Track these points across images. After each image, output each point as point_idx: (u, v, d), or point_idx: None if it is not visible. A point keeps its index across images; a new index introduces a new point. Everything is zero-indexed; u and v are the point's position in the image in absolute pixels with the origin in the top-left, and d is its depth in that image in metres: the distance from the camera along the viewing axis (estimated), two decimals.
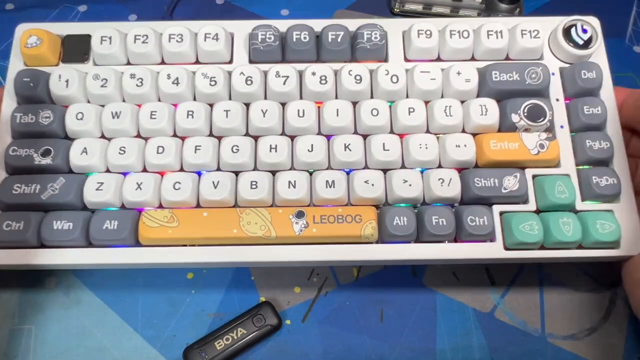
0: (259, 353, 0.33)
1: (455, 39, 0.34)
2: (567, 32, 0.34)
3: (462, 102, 0.34)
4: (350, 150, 0.32)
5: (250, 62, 0.35)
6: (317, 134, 0.33)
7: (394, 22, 0.35)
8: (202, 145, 0.32)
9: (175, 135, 0.33)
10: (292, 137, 0.33)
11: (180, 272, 0.35)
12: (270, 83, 0.33)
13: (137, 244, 0.31)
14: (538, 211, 0.32)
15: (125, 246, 0.31)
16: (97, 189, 0.31)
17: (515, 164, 0.32)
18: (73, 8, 0.44)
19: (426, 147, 0.32)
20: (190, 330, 0.33)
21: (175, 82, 0.33)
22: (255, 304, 0.33)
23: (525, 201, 0.32)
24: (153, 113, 0.33)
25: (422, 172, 0.33)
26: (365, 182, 0.32)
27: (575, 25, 0.34)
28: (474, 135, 0.33)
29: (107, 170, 0.33)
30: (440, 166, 0.33)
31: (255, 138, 0.33)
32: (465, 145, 0.32)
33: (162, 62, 0.35)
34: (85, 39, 0.35)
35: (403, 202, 0.32)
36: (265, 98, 0.34)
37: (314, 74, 0.34)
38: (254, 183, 0.32)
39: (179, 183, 0.32)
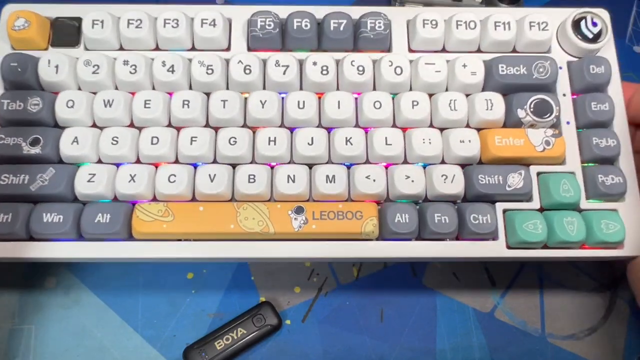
0: (259, 353, 0.33)
1: (461, 30, 0.33)
2: (576, 25, 0.33)
3: (467, 95, 0.33)
4: (351, 144, 0.31)
5: (249, 49, 0.33)
6: (318, 127, 0.32)
7: (398, 10, 0.34)
8: (198, 136, 0.31)
9: (170, 125, 0.32)
10: (292, 129, 0.32)
11: (180, 272, 0.34)
12: (269, 72, 0.32)
13: (131, 238, 0.30)
14: (542, 209, 0.32)
15: (118, 240, 0.30)
16: (88, 181, 0.30)
17: (520, 160, 0.32)
18: None
19: (429, 142, 0.32)
20: (190, 330, 0.33)
21: (171, 69, 0.32)
22: (255, 304, 0.33)
23: (529, 199, 0.32)
24: (147, 102, 0.32)
25: (424, 167, 0.32)
26: (367, 177, 0.31)
27: (585, 17, 0.33)
28: (479, 130, 0.32)
29: (99, 161, 0.31)
30: (443, 162, 0.32)
31: (254, 130, 0.32)
32: (469, 141, 0.32)
33: (157, 48, 0.33)
34: (76, 22, 0.33)
35: (405, 198, 0.31)
36: (264, 88, 0.33)
37: (315, 63, 0.32)
38: (251, 177, 0.31)
39: (174, 175, 0.31)
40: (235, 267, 0.35)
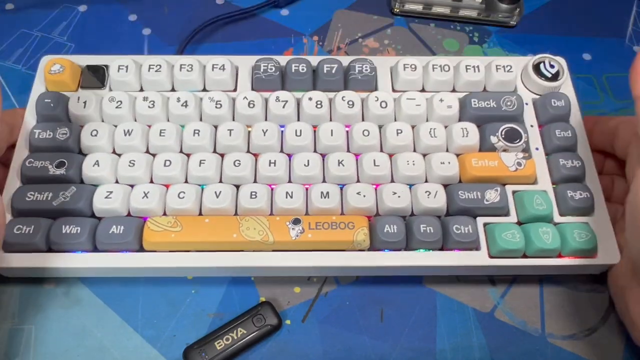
0: (259, 353, 0.33)
1: (437, 72, 0.38)
2: (536, 67, 0.38)
3: (445, 126, 0.37)
4: (343, 165, 0.35)
5: (253, 89, 0.38)
6: (313, 152, 0.36)
7: (382, 59, 0.40)
8: (207, 159, 0.35)
9: (181, 152, 0.36)
10: (290, 156, 0.36)
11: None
12: (270, 106, 0.37)
13: (141, 249, 0.33)
14: (519, 223, 0.34)
15: (129, 251, 0.33)
16: (106, 197, 0.33)
17: (496, 179, 0.35)
18: (73, 8, 0.46)
19: (413, 164, 0.35)
20: (190, 330, 0.33)
21: (184, 104, 0.36)
22: (255, 304, 0.33)
23: (507, 213, 0.35)
24: (162, 131, 0.36)
25: (410, 187, 0.35)
26: (358, 193, 0.34)
27: (543, 61, 0.38)
28: (457, 155, 0.36)
29: (117, 182, 0.35)
30: (426, 181, 0.35)
31: (256, 156, 0.36)
32: (449, 163, 0.35)
33: (173, 89, 0.38)
34: (103, 68, 0.38)
35: (393, 212, 0.34)
36: (266, 120, 0.37)
37: (310, 99, 0.37)
38: (253, 193, 0.34)
39: (183, 192, 0.34)
40: None
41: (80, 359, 0.32)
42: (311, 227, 0.33)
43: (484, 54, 0.46)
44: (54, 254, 0.33)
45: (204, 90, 0.38)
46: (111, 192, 0.34)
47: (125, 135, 0.36)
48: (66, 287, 0.34)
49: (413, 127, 0.37)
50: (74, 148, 0.35)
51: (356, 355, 0.33)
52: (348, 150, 0.36)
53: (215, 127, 0.37)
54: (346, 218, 0.33)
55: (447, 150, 0.36)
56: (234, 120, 0.37)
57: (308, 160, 0.35)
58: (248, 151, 0.36)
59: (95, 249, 0.33)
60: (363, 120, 0.37)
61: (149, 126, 0.36)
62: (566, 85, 0.39)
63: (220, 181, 0.35)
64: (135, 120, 0.37)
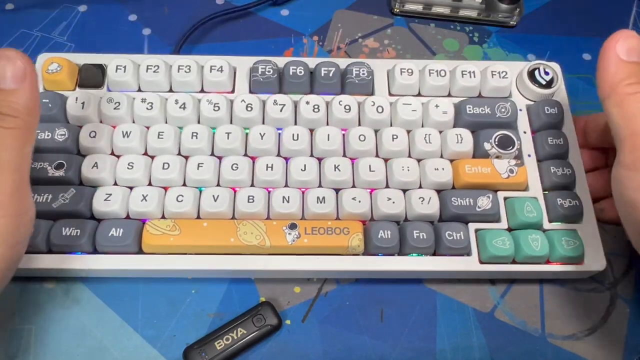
0: (259, 353, 0.33)
1: (433, 77, 0.38)
2: (531, 74, 0.39)
3: (440, 132, 0.37)
4: (339, 170, 0.35)
5: (250, 92, 0.38)
6: (310, 156, 0.37)
7: (379, 62, 0.40)
8: (204, 163, 0.35)
9: (179, 154, 0.36)
10: (287, 160, 0.36)
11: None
12: (268, 110, 0.37)
13: (140, 251, 0.34)
14: (510, 229, 0.35)
15: (128, 253, 0.33)
16: (105, 199, 0.34)
17: (488, 186, 0.36)
18: (73, 8, 0.46)
19: (408, 169, 0.36)
20: (190, 330, 0.33)
21: (182, 106, 0.37)
22: (255, 304, 0.34)
23: (498, 220, 0.35)
24: (160, 133, 0.36)
25: (404, 192, 0.36)
26: (353, 198, 0.35)
27: (538, 68, 0.39)
28: (451, 161, 0.37)
29: (115, 184, 0.35)
30: (420, 187, 0.36)
31: (253, 159, 0.36)
32: (443, 169, 0.36)
33: (171, 90, 0.38)
34: (101, 68, 0.38)
35: (387, 218, 0.35)
36: (263, 123, 0.37)
37: (307, 103, 0.37)
38: (250, 197, 0.34)
39: (182, 196, 0.34)
40: None
41: (80, 359, 0.33)
42: (307, 232, 0.34)
43: (483, 54, 0.46)
44: (55, 256, 0.33)
45: (202, 91, 0.38)
46: (110, 195, 0.34)
47: (124, 136, 0.36)
48: (66, 287, 0.35)
49: (409, 132, 0.37)
50: (73, 149, 0.36)
51: (356, 355, 0.34)
52: (344, 155, 0.37)
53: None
54: (341, 223, 0.34)
55: (441, 156, 0.37)
56: (231, 122, 0.37)
57: (305, 165, 0.36)
58: (245, 154, 0.37)
59: (95, 251, 0.34)
60: (359, 124, 0.38)
61: (147, 127, 0.37)
62: (560, 92, 0.39)
63: (218, 184, 0.36)
64: (134, 122, 0.37)
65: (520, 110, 0.39)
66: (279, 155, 0.37)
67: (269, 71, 0.38)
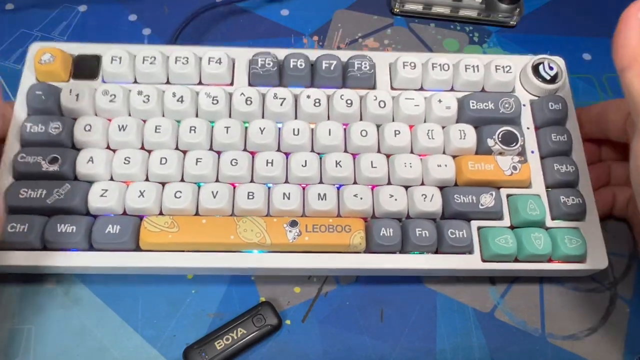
0: (259, 353, 0.33)
1: (436, 71, 0.38)
2: (535, 69, 0.38)
3: (443, 127, 0.37)
4: (341, 166, 0.35)
5: (250, 85, 0.38)
6: (311, 151, 0.36)
7: (381, 55, 0.39)
8: (203, 158, 0.35)
9: (177, 148, 0.35)
10: (287, 155, 0.36)
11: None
12: (268, 104, 0.36)
13: (138, 248, 0.33)
14: (512, 227, 0.35)
15: (126, 250, 0.33)
16: (101, 195, 0.33)
17: (491, 183, 0.35)
18: (73, 8, 0.45)
19: (410, 166, 0.35)
20: (190, 330, 0.33)
21: (180, 99, 0.36)
22: (255, 304, 0.34)
23: (501, 217, 0.35)
24: (157, 127, 0.35)
25: (406, 188, 0.35)
26: (355, 195, 0.34)
27: (542, 62, 0.38)
28: (454, 157, 0.36)
29: (111, 179, 0.34)
30: (423, 184, 0.36)
31: (253, 154, 0.36)
32: (446, 165, 0.35)
33: (168, 82, 0.37)
34: (96, 58, 0.37)
35: (389, 215, 0.34)
36: (263, 117, 0.37)
37: (308, 97, 0.36)
38: (250, 194, 0.34)
39: (180, 192, 0.34)
40: None
41: (80, 359, 0.32)
42: (308, 230, 0.33)
43: (483, 54, 0.46)
44: (51, 253, 0.32)
45: (200, 83, 0.37)
46: (106, 190, 0.33)
47: (120, 130, 0.35)
48: (66, 287, 0.34)
49: (411, 127, 0.37)
50: (67, 142, 0.35)
51: (356, 355, 0.34)
52: (345, 150, 0.36)
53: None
54: (343, 221, 0.34)
55: (444, 152, 0.37)
56: (230, 116, 0.36)
57: (305, 161, 0.35)
58: (245, 149, 0.36)
59: (91, 248, 0.33)
60: (361, 119, 0.37)
61: (144, 121, 0.36)
62: (564, 88, 0.39)
63: (217, 180, 0.35)
64: (130, 115, 0.36)
65: (524, 105, 0.38)
66: (279, 150, 0.36)
67: (268, 63, 0.37)
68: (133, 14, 0.46)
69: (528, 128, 0.37)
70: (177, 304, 0.34)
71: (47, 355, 0.32)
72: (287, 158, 0.36)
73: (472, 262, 0.34)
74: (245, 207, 0.34)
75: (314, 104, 0.36)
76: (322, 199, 0.34)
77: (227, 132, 0.35)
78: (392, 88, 0.38)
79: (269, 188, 0.35)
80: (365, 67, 0.38)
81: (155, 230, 0.33)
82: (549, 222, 0.35)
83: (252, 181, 0.35)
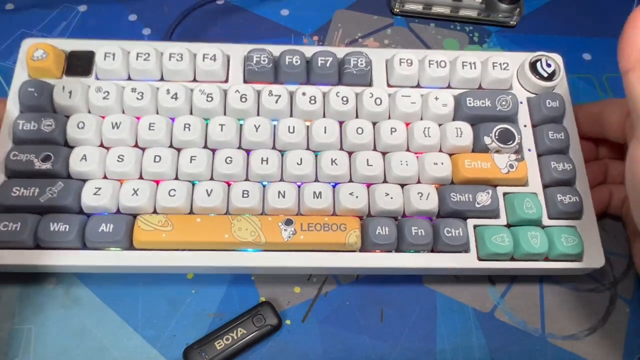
0: (259, 353, 0.33)
1: (433, 68, 0.37)
2: (533, 66, 0.38)
3: (440, 125, 0.37)
4: (336, 164, 0.35)
5: (245, 82, 0.37)
6: (306, 149, 0.36)
7: (377, 51, 0.39)
8: (197, 155, 0.34)
9: (171, 146, 0.35)
10: (282, 152, 0.35)
11: (180, 272, 0.35)
12: (263, 101, 0.36)
13: (132, 247, 0.33)
14: (508, 226, 0.35)
15: (120, 249, 0.33)
16: (94, 194, 0.33)
17: (488, 181, 0.35)
18: (73, 8, 0.45)
19: (406, 164, 0.35)
20: (190, 330, 0.33)
21: (174, 97, 0.35)
22: (255, 304, 0.34)
23: (497, 216, 0.35)
24: (151, 125, 0.35)
25: (402, 186, 0.35)
26: (350, 194, 0.34)
27: (540, 59, 0.38)
28: (450, 155, 0.36)
29: (105, 177, 0.34)
30: (419, 182, 0.35)
31: (248, 152, 0.35)
32: (442, 163, 0.35)
33: (162, 79, 0.37)
34: (89, 55, 0.37)
35: (385, 214, 0.34)
36: (258, 114, 0.36)
37: (304, 94, 0.36)
38: (245, 192, 0.34)
39: (174, 190, 0.33)
40: None
41: (80, 359, 0.32)
42: (303, 229, 0.33)
43: None
44: (43, 251, 0.32)
45: (194, 80, 0.37)
46: (100, 189, 0.33)
47: (113, 128, 0.35)
48: (66, 287, 0.34)
49: (407, 124, 0.36)
50: (60, 140, 0.34)
51: (356, 355, 0.33)
52: (341, 148, 0.36)
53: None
54: (338, 219, 0.33)
55: (440, 150, 0.36)
56: (225, 114, 0.36)
57: (301, 159, 0.35)
58: (239, 147, 0.36)
59: (84, 247, 0.33)
60: (357, 116, 0.37)
61: (138, 118, 0.35)
62: (561, 85, 0.38)
63: (212, 178, 0.35)
64: (123, 112, 0.36)
65: (521, 102, 0.38)
66: (274, 148, 0.36)
67: (264, 60, 0.37)
68: (133, 14, 0.45)
69: (525, 126, 0.37)
70: (177, 304, 0.34)
71: (47, 355, 0.32)
72: (282, 156, 0.35)
73: (468, 260, 0.34)
74: (240, 206, 0.33)
75: (310, 101, 0.36)
76: (317, 197, 0.34)
77: (221, 129, 0.35)
78: (388, 85, 0.38)
79: (264, 186, 0.34)
80: (362, 64, 0.37)
81: (149, 229, 0.32)
82: (546, 221, 0.35)
83: (247, 179, 0.35)
